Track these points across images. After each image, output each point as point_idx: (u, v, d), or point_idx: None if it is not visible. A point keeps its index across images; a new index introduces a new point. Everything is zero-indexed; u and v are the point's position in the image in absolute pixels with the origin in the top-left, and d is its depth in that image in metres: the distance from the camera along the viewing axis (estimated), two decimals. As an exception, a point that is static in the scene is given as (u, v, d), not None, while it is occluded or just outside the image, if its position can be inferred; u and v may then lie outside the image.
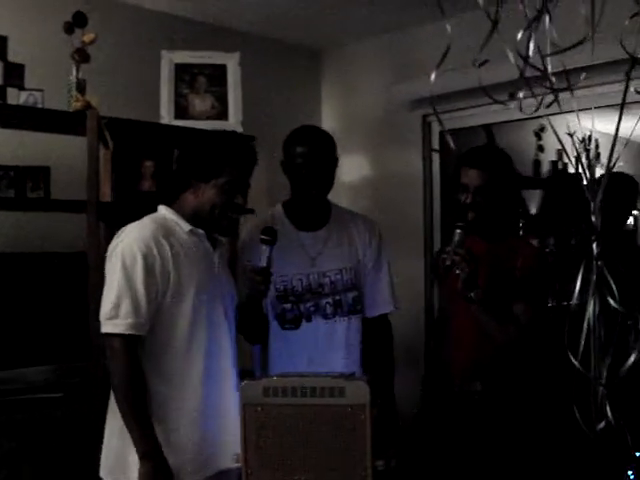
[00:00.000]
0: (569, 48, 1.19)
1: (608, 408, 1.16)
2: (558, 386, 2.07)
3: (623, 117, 1.26)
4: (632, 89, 1.26)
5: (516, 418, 2.44)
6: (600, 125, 1.52)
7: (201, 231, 2.16)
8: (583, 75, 1.33)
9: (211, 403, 2.11)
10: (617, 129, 1.22)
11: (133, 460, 1.97)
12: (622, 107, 1.24)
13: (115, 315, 1.98)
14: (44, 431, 2.64)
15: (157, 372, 2.05)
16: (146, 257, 2.01)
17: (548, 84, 1.22)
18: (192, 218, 2.16)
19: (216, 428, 2.12)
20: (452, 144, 1.41)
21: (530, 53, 1.20)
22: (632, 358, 1.16)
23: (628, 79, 1.20)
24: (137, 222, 2.13)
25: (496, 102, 1.27)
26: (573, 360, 1.21)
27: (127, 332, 1.97)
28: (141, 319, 1.99)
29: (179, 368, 2.06)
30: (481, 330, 2.43)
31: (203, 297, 2.10)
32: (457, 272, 2.31)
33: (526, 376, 2.49)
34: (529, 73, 1.25)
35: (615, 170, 1.32)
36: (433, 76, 1.29)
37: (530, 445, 2.43)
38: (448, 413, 2.57)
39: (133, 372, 1.98)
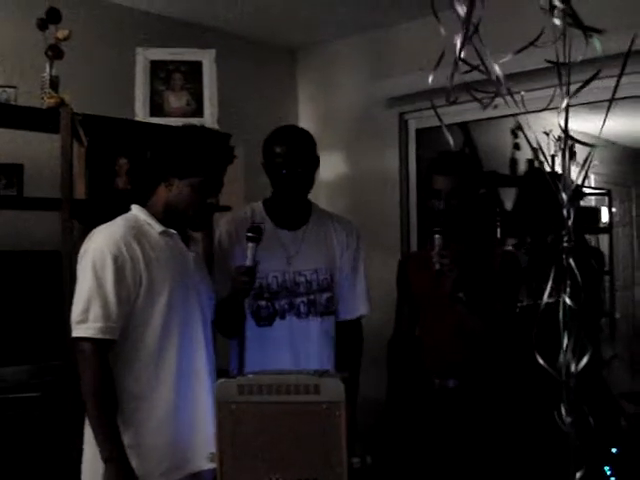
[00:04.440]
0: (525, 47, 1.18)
1: (563, 408, 1.17)
2: (534, 383, 2.08)
3: (595, 116, 1.26)
4: None
5: (494, 415, 2.46)
6: (575, 124, 1.52)
7: (173, 231, 2.14)
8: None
9: (183, 404, 2.09)
10: (566, 125, 1.22)
11: None
12: (610, 105, 1.23)
13: (85, 319, 1.96)
14: (21, 431, 2.62)
15: (130, 374, 2.03)
16: (116, 259, 1.98)
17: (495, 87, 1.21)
18: (164, 213, 2.14)
19: (189, 430, 2.10)
20: (451, 141, 1.41)
21: (462, 52, 1.20)
22: (585, 359, 1.17)
23: (620, 76, 1.20)
24: (108, 223, 2.10)
25: (477, 101, 1.27)
26: (539, 359, 1.21)
27: (97, 336, 1.95)
28: (111, 323, 1.97)
29: (151, 370, 2.05)
30: (458, 329, 2.46)
31: (177, 299, 2.08)
32: (448, 274, 2.34)
33: (503, 374, 2.51)
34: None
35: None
36: (430, 78, 1.28)
37: (507, 441, 2.46)
38: (426, 410, 2.59)
39: (102, 376, 1.95)
